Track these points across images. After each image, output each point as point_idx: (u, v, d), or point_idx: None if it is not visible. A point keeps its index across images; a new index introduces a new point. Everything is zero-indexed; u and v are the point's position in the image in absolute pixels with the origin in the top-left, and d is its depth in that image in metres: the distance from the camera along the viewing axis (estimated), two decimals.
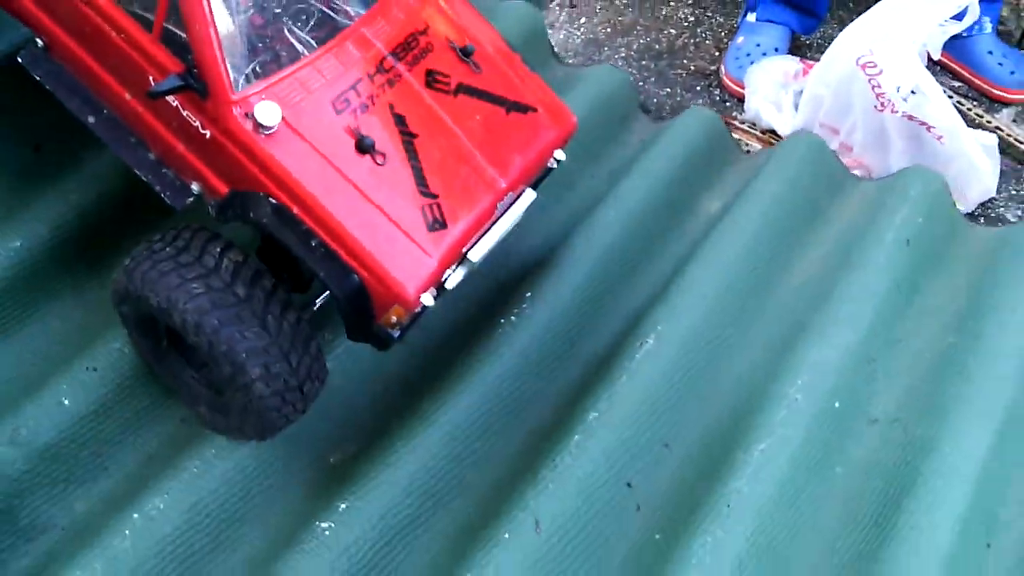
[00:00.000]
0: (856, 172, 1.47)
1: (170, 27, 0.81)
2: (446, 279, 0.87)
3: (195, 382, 0.95)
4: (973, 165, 1.76)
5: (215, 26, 0.77)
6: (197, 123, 0.82)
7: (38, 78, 0.89)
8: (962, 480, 0.95)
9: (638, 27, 2.16)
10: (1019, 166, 1.94)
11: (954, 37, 2.04)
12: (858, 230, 1.15)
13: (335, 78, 0.84)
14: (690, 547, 0.90)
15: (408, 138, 0.85)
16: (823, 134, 1.83)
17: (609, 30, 2.15)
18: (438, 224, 0.83)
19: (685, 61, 2.09)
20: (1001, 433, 1.00)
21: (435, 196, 0.84)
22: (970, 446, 0.97)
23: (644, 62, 2.08)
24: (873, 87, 1.72)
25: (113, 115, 0.89)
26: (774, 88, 1.91)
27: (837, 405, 1.00)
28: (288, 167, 0.80)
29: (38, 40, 0.89)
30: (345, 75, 0.84)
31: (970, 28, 2.02)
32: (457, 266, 0.88)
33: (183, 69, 0.80)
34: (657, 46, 2.12)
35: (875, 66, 1.71)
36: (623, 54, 2.09)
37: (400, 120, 0.85)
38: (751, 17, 2.04)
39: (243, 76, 0.81)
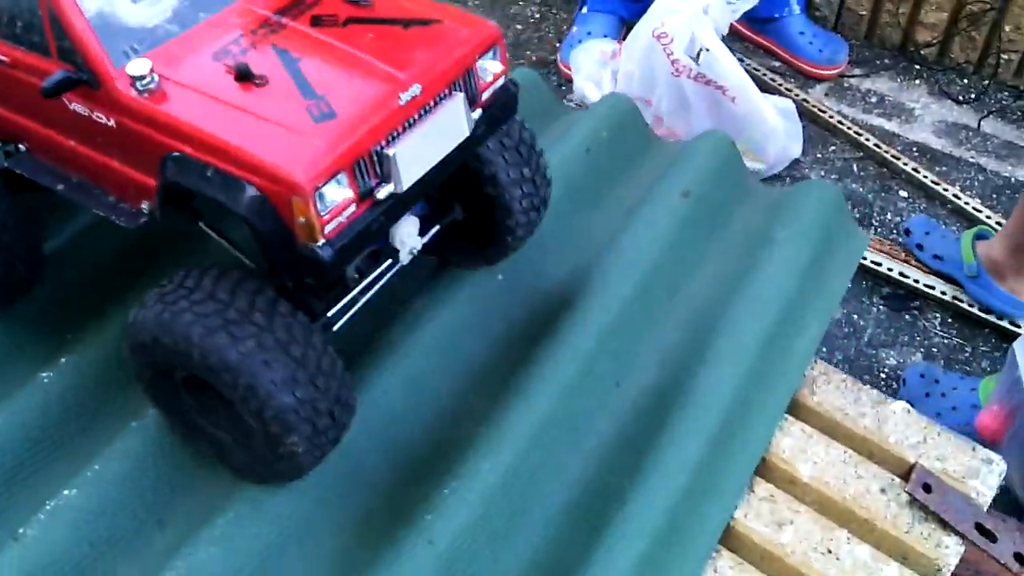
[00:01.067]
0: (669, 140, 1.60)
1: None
2: (375, 189, 0.85)
3: (217, 430, 0.96)
4: (767, 123, 1.93)
5: (84, 18, 0.87)
6: (103, 118, 0.88)
7: (26, 174, 1.00)
8: (590, 325, 1.09)
9: None
10: (827, 133, 2.10)
11: (768, 20, 2.23)
12: (556, 140, 1.31)
13: (214, 38, 0.89)
14: None
15: (291, 61, 0.87)
16: (638, 107, 2.01)
17: None
18: (325, 116, 0.84)
19: (529, 52, 2.28)
20: (643, 285, 1.14)
21: (322, 96, 0.85)
22: (608, 302, 1.12)
23: None
24: (668, 55, 1.90)
25: (80, 180, 0.99)
26: (595, 67, 2.09)
27: None
28: (174, 113, 0.84)
29: (20, 146, 1.01)
30: (225, 35, 0.89)
31: (780, 10, 2.20)
32: (382, 176, 0.86)
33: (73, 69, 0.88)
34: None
35: (667, 36, 1.89)
36: None
37: (282, 52, 0.89)
38: (584, 9, 2.23)
39: (126, 58, 0.87)
